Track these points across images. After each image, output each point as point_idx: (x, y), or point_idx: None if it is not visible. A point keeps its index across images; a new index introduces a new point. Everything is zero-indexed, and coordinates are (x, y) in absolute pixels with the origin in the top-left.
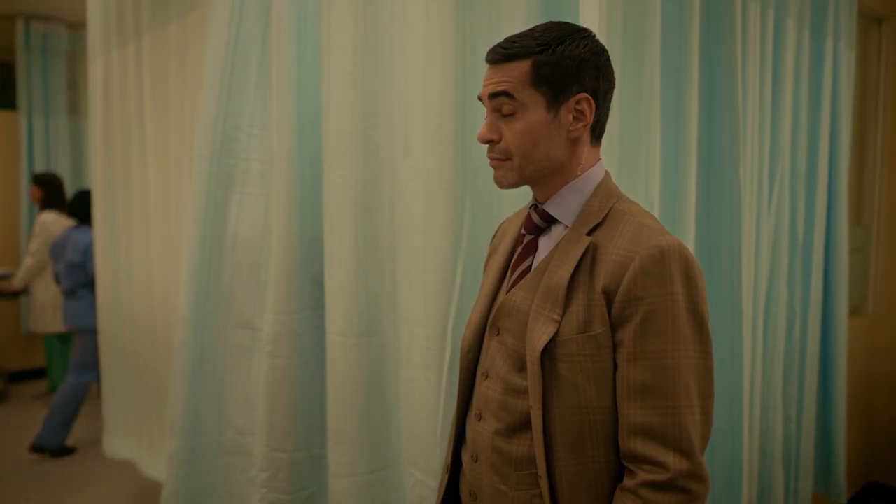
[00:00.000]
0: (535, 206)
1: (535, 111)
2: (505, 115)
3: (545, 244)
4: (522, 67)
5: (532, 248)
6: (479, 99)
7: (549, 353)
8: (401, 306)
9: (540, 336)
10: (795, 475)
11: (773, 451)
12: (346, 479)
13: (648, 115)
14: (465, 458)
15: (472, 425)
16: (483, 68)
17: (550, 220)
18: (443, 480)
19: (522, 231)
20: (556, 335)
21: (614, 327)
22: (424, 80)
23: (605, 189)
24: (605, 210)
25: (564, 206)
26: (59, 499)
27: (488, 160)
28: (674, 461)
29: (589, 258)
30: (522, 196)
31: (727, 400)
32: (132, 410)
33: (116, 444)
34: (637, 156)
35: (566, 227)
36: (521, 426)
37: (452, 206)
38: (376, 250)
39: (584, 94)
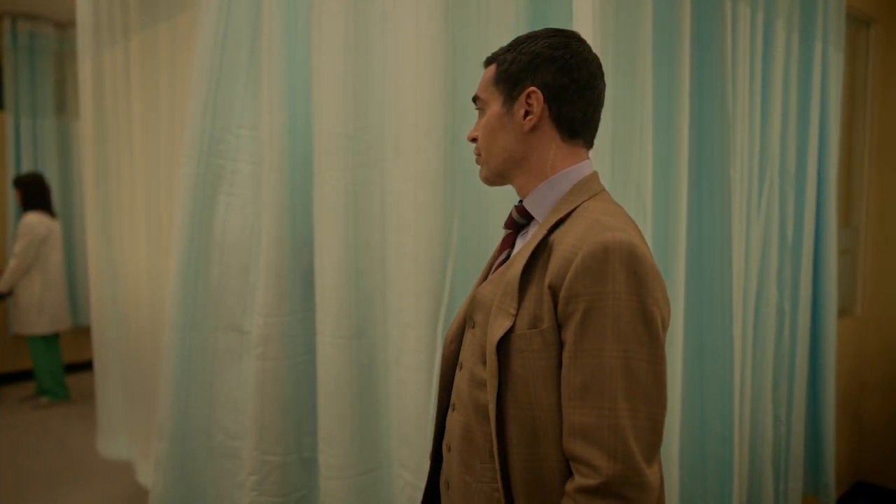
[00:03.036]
0: (520, 200)
1: (493, 107)
2: (480, 115)
3: (521, 240)
4: (492, 70)
5: (508, 244)
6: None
7: (504, 347)
8: (391, 308)
9: (497, 329)
10: (785, 476)
11: (762, 453)
12: (337, 481)
13: (640, 117)
14: (444, 447)
15: (448, 415)
16: (473, 69)
17: (528, 217)
18: (427, 472)
19: (503, 227)
20: (511, 329)
21: (560, 325)
22: (415, 82)
23: (582, 187)
24: (573, 207)
25: (538, 202)
26: (54, 499)
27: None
28: (607, 465)
29: (545, 254)
30: (512, 199)
31: (718, 401)
32: (126, 411)
33: (111, 445)
34: (629, 157)
35: (538, 223)
36: (484, 417)
37: (443, 207)
38: (366, 251)
39: (532, 88)
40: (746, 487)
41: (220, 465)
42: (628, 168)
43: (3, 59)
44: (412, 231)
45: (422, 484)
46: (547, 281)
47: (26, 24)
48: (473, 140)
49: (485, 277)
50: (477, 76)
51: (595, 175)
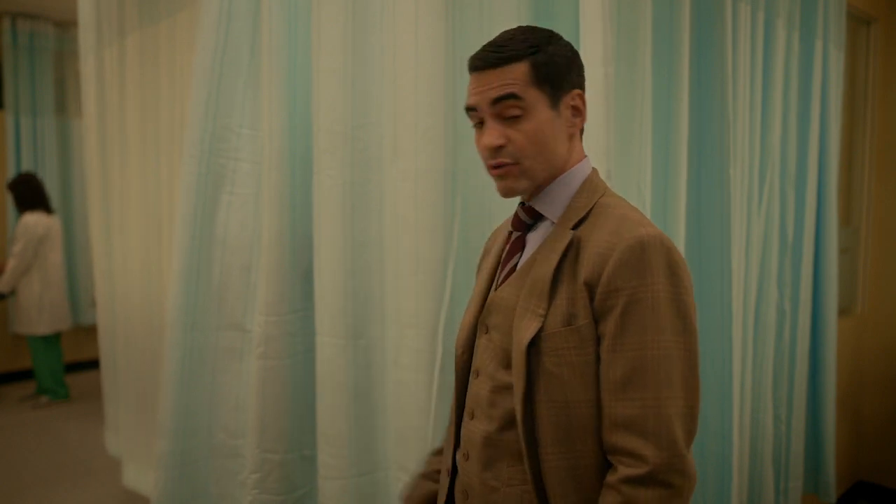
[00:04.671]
0: (521, 203)
1: (541, 111)
2: (508, 118)
3: (533, 241)
4: (522, 69)
5: (519, 246)
6: (470, 109)
7: (534, 347)
8: (390, 308)
9: (525, 331)
10: (785, 475)
11: (763, 452)
12: (335, 481)
13: (640, 116)
14: (459, 457)
15: (465, 424)
16: None
17: (537, 217)
18: (442, 484)
19: (510, 229)
20: (541, 329)
21: (597, 320)
22: (414, 81)
23: (591, 184)
24: (590, 205)
25: (551, 202)
26: (54, 499)
27: (491, 171)
28: (653, 454)
29: (573, 252)
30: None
31: (718, 400)
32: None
33: (118, 442)
34: (628, 157)
35: (553, 223)
36: (510, 422)
37: (442, 206)
38: (366, 251)
39: (577, 91)
40: (746, 486)
41: (221, 463)
42: (628, 168)
43: (3, 58)
44: (411, 230)
45: None
46: (582, 278)
47: (26, 23)
48: (499, 147)
49: (489, 280)
50: None
51: (596, 171)
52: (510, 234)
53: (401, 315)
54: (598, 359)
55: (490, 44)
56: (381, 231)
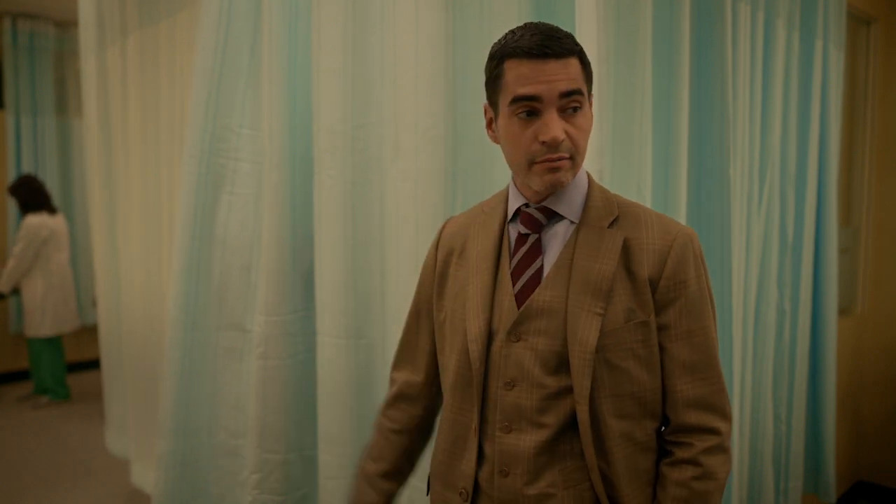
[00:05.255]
0: (526, 204)
1: (588, 108)
2: (566, 111)
3: (555, 241)
4: (577, 64)
5: (539, 248)
6: (527, 98)
7: (598, 346)
8: (390, 307)
9: (588, 332)
10: (785, 475)
11: (763, 452)
12: (337, 480)
13: (640, 116)
14: (486, 475)
15: (497, 439)
16: (472, 69)
17: (549, 217)
18: None
19: (522, 231)
20: (602, 327)
21: (657, 311)
22: (414, 81)
23: (597, 185)
24: (614, 204)
25: (569, 202)
26: (54, 499)
27: (542, 164)
28: (723, 425)
29: (623, 250)
30: None
31: None
32: (128, 410)
33: (119, 441)
34: (629, 157)
35: (572, 223)
36: (567, 426)
37: (442, 206)
38: (366, 251)
39: (592, 93)
40: (746, 486)
41: (221, 463)
42: (628, 167)
43: (4, 58)
44: (412, 230)
45: (422, 484)
46: (644, 273)
47: (26, 23)
48: (555, 141)
49: (491, 284)
50: (478, 74)
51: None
52: (522, 235)
53: (401, 315)
54: (660, 348)
55: (540, 33)
56: (381, 231)
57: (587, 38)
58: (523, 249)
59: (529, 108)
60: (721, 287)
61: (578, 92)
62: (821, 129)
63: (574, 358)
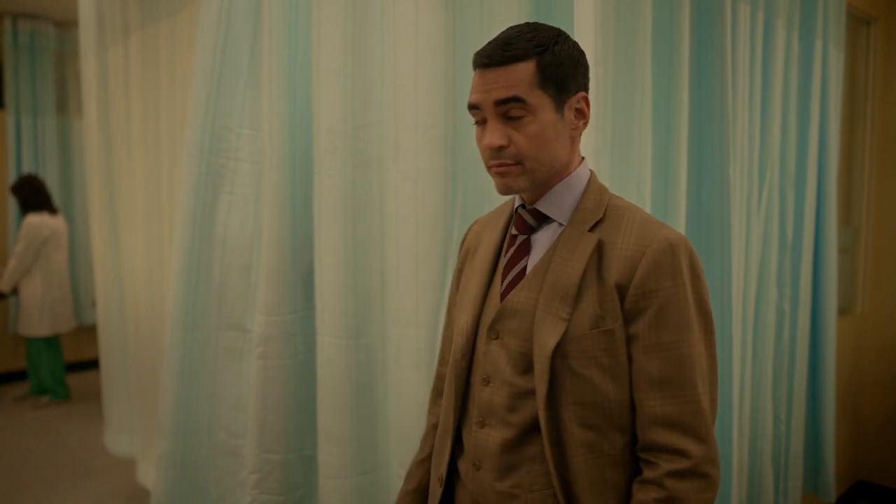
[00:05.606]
0: (522, 206)
1: (544, 113)
2: (511, 119)
3: (540, 243)
4: (527, 69)
5: (526, 249)
6: (472, 107)
7: (560, 351)
8: (390, 307)
9: (549, 335)
10: (785, 475)
11: (762, 452)
12: (336, 480)
13: (640, 116)
14: (464, 467)
15: (472, 433)
16: (472, 69)
17: (542, 220)
18: (434, 494)
19: (513, 232)
20: (565, 333)
21: (627, 321)
22: (414, 81)
23: (596, 186)
24: (602, 207)
25: (558, 204)
26: (54, 499)
27: (490, 168)
28: (695, 448)
29: (596, 255)
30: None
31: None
32: (130, 409)
33: (118, 441)
34: (628, 157)
35: (560, 225)
36: (532, 427)
37: (442, 206)
38: (366, 251)
39: (583, 93)
40: (746, 486)
41: (221, 463)
42: (628, 168)
43: (4, 58)
44: (411, 230)
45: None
46: (612, 280)
47: (27, 23)
48: (501, 148)
49: (485, 282)
50: None
51: (594, 172)
52: (514, 236)
53: (401, 314)
54: (628, 359)
55: (496, 40)
56: (381, 231)
57: (585, 38)
58: (512, 250)
59: (479, 116)
60: (721, 287)
61: (516, 99)
62: (820, 128)
63: (535, 361)
